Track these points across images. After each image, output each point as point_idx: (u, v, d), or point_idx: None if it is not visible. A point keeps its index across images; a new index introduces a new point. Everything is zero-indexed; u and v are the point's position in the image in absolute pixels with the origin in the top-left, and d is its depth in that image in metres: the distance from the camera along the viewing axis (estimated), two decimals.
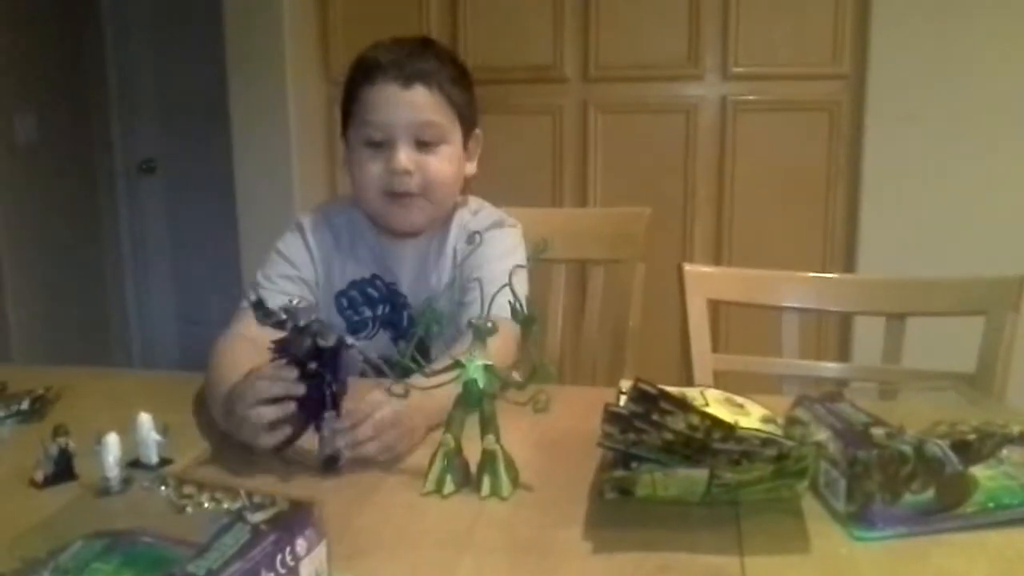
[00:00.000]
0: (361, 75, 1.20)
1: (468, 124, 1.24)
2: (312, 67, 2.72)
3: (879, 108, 2.38)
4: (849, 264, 2.49)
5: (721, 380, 1.29)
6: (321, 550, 0.64)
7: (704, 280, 1.38)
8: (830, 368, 1.42)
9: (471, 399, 0.86)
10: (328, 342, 0.90)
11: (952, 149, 2.36)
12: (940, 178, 2.37)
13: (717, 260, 2.57)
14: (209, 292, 3.44)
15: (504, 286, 0.86)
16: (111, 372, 1.90)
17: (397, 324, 1.28)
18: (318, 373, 0.91)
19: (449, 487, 0.86)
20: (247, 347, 1.04)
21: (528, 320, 0.87)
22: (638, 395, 0.77)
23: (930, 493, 0.77)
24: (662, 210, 1.57)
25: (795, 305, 1.36)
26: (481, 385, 0.86)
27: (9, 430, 1.06)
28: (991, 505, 0.78)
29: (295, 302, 0.92)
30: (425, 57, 1.20)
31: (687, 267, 1.38)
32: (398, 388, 0.89)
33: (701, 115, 2.54)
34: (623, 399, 0.80)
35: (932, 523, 0.77)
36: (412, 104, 1.17)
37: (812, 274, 1.41)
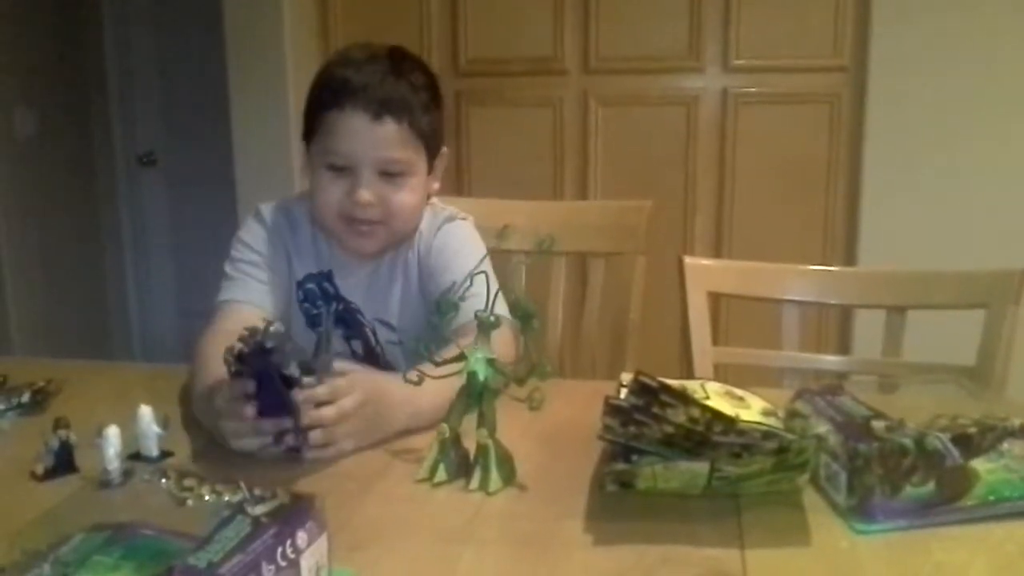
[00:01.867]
0: (330, 95, 1.14)
1: (435, 148, 1.21)
2: (312, 61, 2.70)
3: (880, 100, 2.38)
4: (849, 257, 2.49)
5: (721, 373, 1.29)
6: (322, 543, 0.64)
7: (705, 273, 1.38)
8: (830, 361, 1.42)
9: (471, 392, 0.86)
10: (288, 370, 0.87)
11: (953, 141, 2.35)
12: (940, 170, 2.37)
13: (717, 253, 2.57)
14: (210, 285, 3.40)
15: (498, 291, 0.88)
16: (112, 365, 1.91)
17: (350, 323, 1.26)
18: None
19: (441, 476, 0.87)
20: (226, 342, 1.02)
21: (526, 315, 0.87)
22: (639, 388, 0.77)
23: (931, 486, 0.77)
24: (663, 203, 1.56)
25: (795, 298, 1.36)
26: (482, 378, 0.86)
27: (10, 423, 1.06)
28: (991, 498, 0.78)
29: (271, 327, 0.89)
30: (398, 83, 1.14)
31: (687, 260, 1.38)
32: (412, 376, 0.89)
33: (702, 107, 2.54)
34: (624, 392, 0.80)
35: (933, 516, 0.77)
36: (379, 140, 1.13)
37: (812, 267, 1.42)
